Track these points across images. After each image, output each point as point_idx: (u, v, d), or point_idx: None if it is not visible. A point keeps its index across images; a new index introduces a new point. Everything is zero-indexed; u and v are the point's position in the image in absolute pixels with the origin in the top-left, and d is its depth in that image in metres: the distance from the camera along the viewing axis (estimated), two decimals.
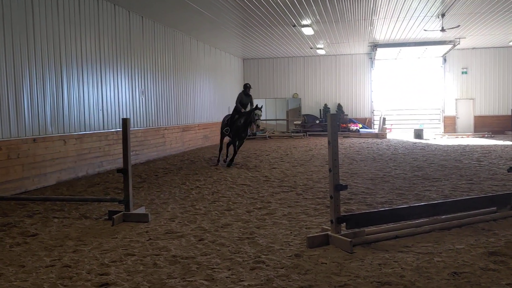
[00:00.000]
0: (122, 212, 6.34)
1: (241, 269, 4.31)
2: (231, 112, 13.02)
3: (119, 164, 11.85)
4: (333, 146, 4.94)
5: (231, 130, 12.43)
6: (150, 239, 5.43)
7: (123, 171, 6.29)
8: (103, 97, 12.26)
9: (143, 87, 14.52)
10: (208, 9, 13.86)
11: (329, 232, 5.03)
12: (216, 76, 21.84)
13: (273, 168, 11.91)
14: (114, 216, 6.19)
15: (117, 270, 4.36)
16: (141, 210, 6.60)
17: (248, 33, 18.15)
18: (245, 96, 12.61)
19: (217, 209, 7.04)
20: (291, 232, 5.55)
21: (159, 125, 15.61)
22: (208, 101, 20.73)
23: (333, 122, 4.94)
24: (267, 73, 26.88)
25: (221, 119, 22.45)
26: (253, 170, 11.56)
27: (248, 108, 12.56)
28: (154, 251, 4.93)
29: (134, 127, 13.75)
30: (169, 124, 16.43)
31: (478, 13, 15.46)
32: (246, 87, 12.72)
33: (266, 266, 4.39)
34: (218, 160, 13.00)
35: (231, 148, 12.90)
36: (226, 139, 13.22)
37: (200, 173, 11.15)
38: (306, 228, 5.71)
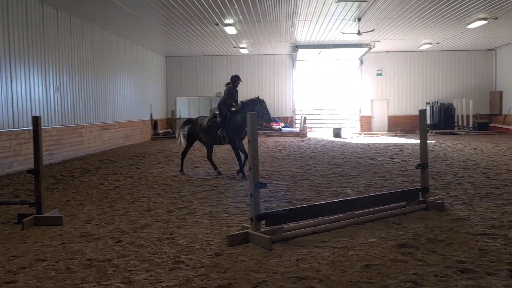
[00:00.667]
0: (33, 215, 5.98)
1: (160, 270, 4.23)
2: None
3: (32, 164, 11.18)
4: (253, 144, 4.99)
5: (228, 131, 10.17)
6: (63, 242, 5.18)
7: (34, 171, 5.95)
8: (13, 93, 11.50)
9: (58, 84, 13.81)
10: (128, 4, 13.47)
11: (249, 230, 5.08)
12: (137, 73, 21.28)
13: (196, 167, 11.83)
14: (24, 220, 5.83)
15: (26, 277, 4.10)
16: (54, 213, 6.28)
17: (170, 30, 17.87)
18: (235, 91, 10.43)
19: (137, 209, 6.86)
20: (211, 231, 5.54)
21: (76, 123, 14.92)
22: (129, 99, 20.15)
23: (253, 121, 5.00)
24: (190, 71, 26.63)
25: (143, 118, 22.00)
26: (175, 169, 11.41)
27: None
28: (68, 255, 4.71)
29: (48, 125, 13.03)
30: (87, 122, 15.76)
31: (391, 19, 16.37)
32: (237, 79, 10.44)
33: (186, 266, 4.34)
34: (182, 168, 10.82)
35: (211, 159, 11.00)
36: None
37: (120, 173, 10.82)
38: (227, 227, 5.73)
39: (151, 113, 23.18)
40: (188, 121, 11.15)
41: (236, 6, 14.11)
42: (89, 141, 15.80)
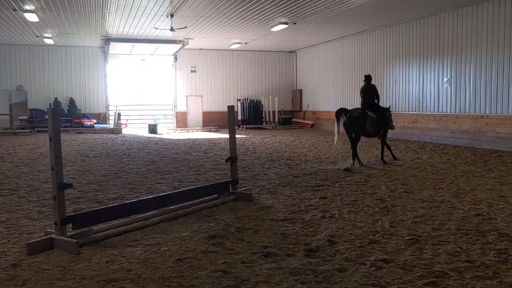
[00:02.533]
0: None
1: None
2: None
3: None
4: (55, 142, 4.60)
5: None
6: None
7: None
8: None
9: None
10: None
11: (53, 235, 4.67)
12: None
13: None
14: None
15: None
16: None
17: None
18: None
19: None
20: (8, 240, 4.94)
21: None
22: None
23: (55, 117, 4.60)
24: None
25: None
26: None
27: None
28: None
29: None
30: None
31: (203, 17, 16.82)
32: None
33: None
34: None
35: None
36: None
37: None
38: (27, 234, 5.18)
39: None
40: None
41: None
42: None
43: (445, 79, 15.77)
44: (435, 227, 5.33)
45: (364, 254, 4.40)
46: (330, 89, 23.96)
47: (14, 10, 15.07)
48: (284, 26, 18.15)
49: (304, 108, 27.15)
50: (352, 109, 10.97)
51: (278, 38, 22.27)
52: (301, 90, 27.64)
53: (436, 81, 16.27)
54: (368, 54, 20.42)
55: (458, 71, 15.24)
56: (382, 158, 11.20)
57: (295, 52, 27.98)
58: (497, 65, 13.70)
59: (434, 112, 16.37)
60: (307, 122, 26.40)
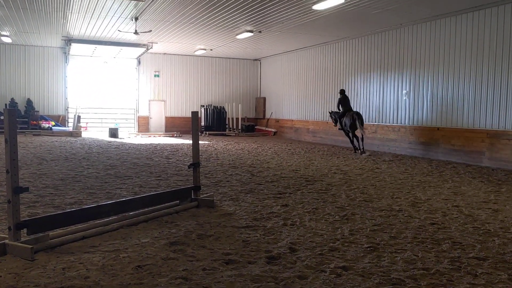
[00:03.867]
0: None
1: None
2: None
3: None
4: (11, 145, 4.45)
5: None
6: None
7: None
8: None
9: None
10: None
11: (6, 241, 4.50)
12: None
13: None
14: None
15: None
16: None
17: None
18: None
19: None
20: None
21: None
22: None
23: (11, 118, 4.46)
24: None
25: None
26: None
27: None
28: None
29: None
30: None
31: (168, 22, 16.69)
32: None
33: None
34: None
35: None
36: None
37: None
38: None
39: None
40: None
41: None
42: None
43: (404, 91, 16.25)
44: (392, 235, 5.47)
45: (324, 261, 4.46)
46: (293, 98, 24.24)
47: None
48: (250, 34, 18.25)
49: (268, 115, 27.33)
50: (357, 112, 15.80)
51: (243, 46, 22.37)
52: (264, 98, 27.82)
53: (395, 93, 16.73)
54: (331, 65, 20.79)
55: (416, 84, 15.73)
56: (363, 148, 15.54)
57: (259, 60, 28.16)
58: (453, 80, 14.23)
59: (393, 123, 16.82)
60: (270, 129, 26.57)
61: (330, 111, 17.80)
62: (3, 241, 4.52)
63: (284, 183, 9.29)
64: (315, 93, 22.02)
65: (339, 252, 4.77)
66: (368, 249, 4.89)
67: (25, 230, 4.65)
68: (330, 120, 18.08)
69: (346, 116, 15.75)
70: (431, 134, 15.01)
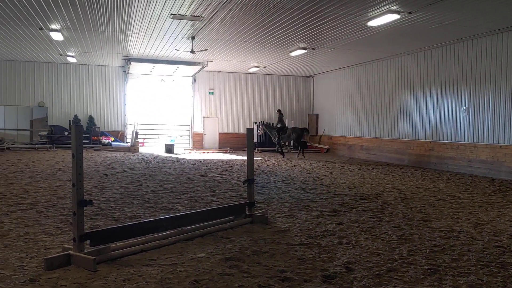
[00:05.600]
0: None
1: None
2: None
3: None
4: (77, 159, 4.67)
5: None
6: None
7: None
8: None
9: None
10: None
11: (70, 252, 4.71)
12: None
13: (10, 183, 10.59)
14: None
15: None
16: None
17: None
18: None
19: None
20: (26, 255, 4.99)
21: None
22: None
23: (78, 134, 4.69)
24: (7, 77, 23.90)
25: None
26: None
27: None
28: None
29: None
30: None
31: (223, 40, 17.07)
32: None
33: None
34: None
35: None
36: None
37: None
38: (45, 249, 5.23)
39: None
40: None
41: (64, 12, 13.20)
42: None
43: (463, 108, 15.68)
44: (454, 257, 5.24)
45: (382, 282, 4.34)
46: (346, 115, 23.98)
47: (41, 29, 15.49)
48: (303, 51, 18.31)
49: (320, 132, 27.13)
50: (298, 128, 21.75)
51: (296, 63, 22.45)
52: (317, 115, 27.68)
53: (454, 110, 16.17)
54: (385, 81, 20.44)
55: (476, 100, 15.15)
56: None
57: (312, 77, 28.13)
58: None
59: (451, 140, 16.23)
60: (322, 146, 26.34)
61: (262, 122, 23.54)
62: (68, 252, 4.73)
63: (338, 200, 9.17)
64: (369, 110, 21.68)
65: (397, 273, 4.63)
66: (429, 271, 4.71)
67: (88, 241, 4.84)
68: (259, 130, 24.32)
69: (293, 131, 21.17)
70: (493, 152, 14.35)
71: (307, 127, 23.40)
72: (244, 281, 4.30)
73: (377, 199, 9.50)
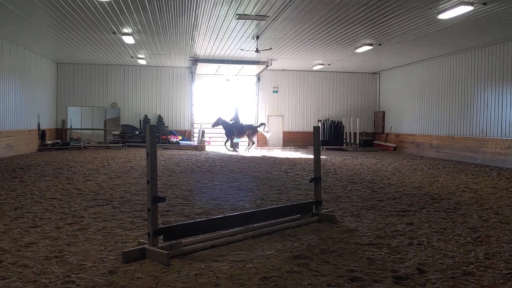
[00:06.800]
0: None
1: None
2: None
3: None
4: (151, 157, 4.88)
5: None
6: None
7: None
8: None
9: None
10: (14, 3, 12.52)
11: (145, 246, 4.92)
12: (23, 79, 19.78)
13: (88, 180, 11.23)
14: None
15: None
16: None
17: (63, 35, 16.91)
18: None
19: (20, 226, 6.32)
20: (105, 248, 5.28)
21: None
22: (13, 106, 18.63)
23: (152, 133, 4.89)
24: (83, 80, 25.33)
25: (29, 127, 20.45)
26: (64, 182, 10.73)
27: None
28: None
29: None
30: None
31: (287, 39, 17.08)
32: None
33: (77, 286, 4.08)
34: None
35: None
36: None
37: (1, 187, 9.91)
38: (122, 243, 5.51)
39: (39, 122, 21.63)
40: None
41: (136, 16, 13.78)
42: None
43: None
44: None
45: (457, 285, 4.18)
46: (415, 111, 23.19)
47: (114, 33, 16.27)
48: (369, 47, 17.93)
49: (387, 130, 26.45)
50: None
51: (362, 59, 22.02)
52: (383, 112, 27.00)
53: None
54: (456, 76, 19.55)
55: None
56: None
57: (378, 73, 27.47)
58: None
59: None
60: (389, 144, 25.66)
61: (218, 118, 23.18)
62: (143, 246, 4.95)
63: (407, 200, 8.90)
64: (439, 106, 20.83)
65: (474, 276, 4.44)
66: (508, 275, 4.47)
67: (161, 236, 5.04)
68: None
69: (251, 128, 23.49)
70: None
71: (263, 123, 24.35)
72: (313, 279, 4.30)
73: (449, 199, 9.13)
